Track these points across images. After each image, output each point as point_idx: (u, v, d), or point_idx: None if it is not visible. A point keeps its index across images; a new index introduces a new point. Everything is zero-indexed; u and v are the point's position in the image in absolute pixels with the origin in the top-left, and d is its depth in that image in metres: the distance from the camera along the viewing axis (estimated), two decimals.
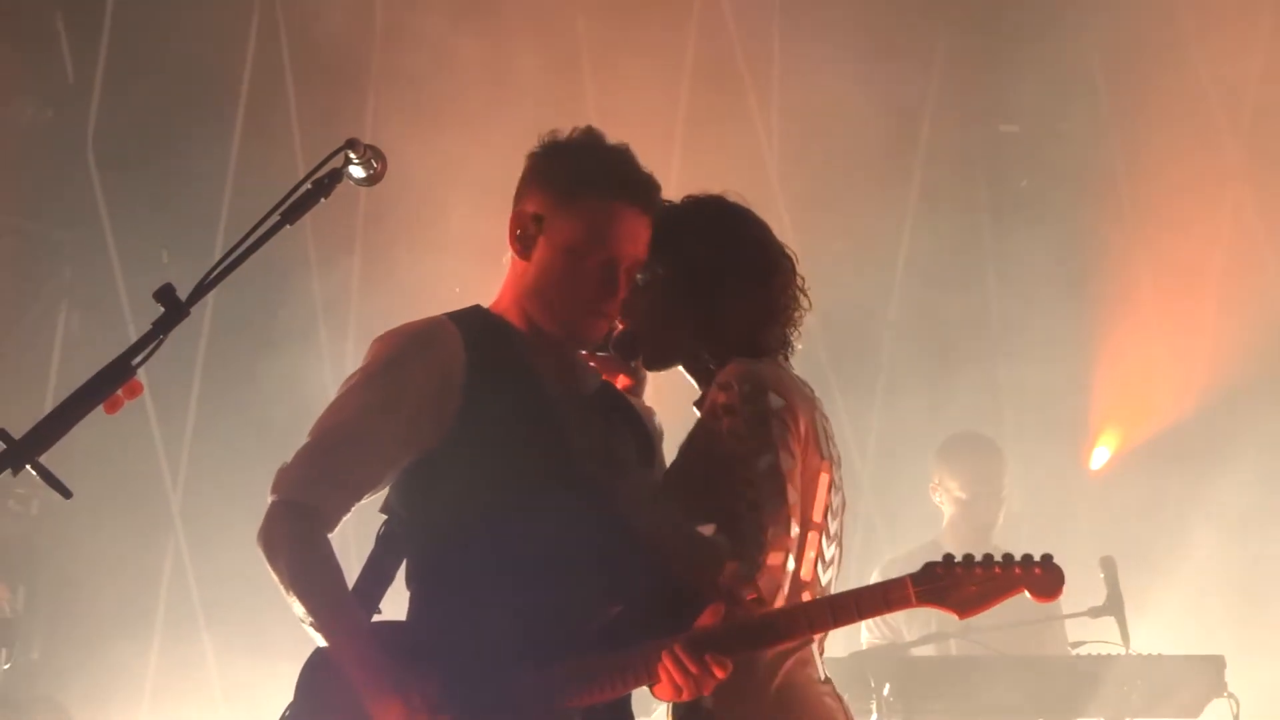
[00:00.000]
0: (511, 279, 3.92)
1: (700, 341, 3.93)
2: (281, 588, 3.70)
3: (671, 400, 4.10)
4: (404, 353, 3.81)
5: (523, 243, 3.84)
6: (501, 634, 3.71)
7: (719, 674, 3.55)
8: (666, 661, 3.56)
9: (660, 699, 3.66)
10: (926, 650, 6.48)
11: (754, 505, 3.68)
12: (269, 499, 3.74)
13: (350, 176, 3.63)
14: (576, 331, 3.87)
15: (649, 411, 4.06)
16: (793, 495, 3.72)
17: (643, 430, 3.99)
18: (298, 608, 3.69)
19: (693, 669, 3.54)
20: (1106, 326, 8.78)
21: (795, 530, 3.72)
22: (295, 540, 3.71)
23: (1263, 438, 8.22)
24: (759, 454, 3.71)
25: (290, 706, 3.77)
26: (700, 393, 3.95)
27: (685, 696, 3.57)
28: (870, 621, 6.59)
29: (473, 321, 3.85)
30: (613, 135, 3.92)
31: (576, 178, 3.84)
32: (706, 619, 3.57)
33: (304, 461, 3.75)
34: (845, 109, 8.66)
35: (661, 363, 4.02)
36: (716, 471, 3.75)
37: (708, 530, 3.69)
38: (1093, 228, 8.81)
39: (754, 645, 3.63)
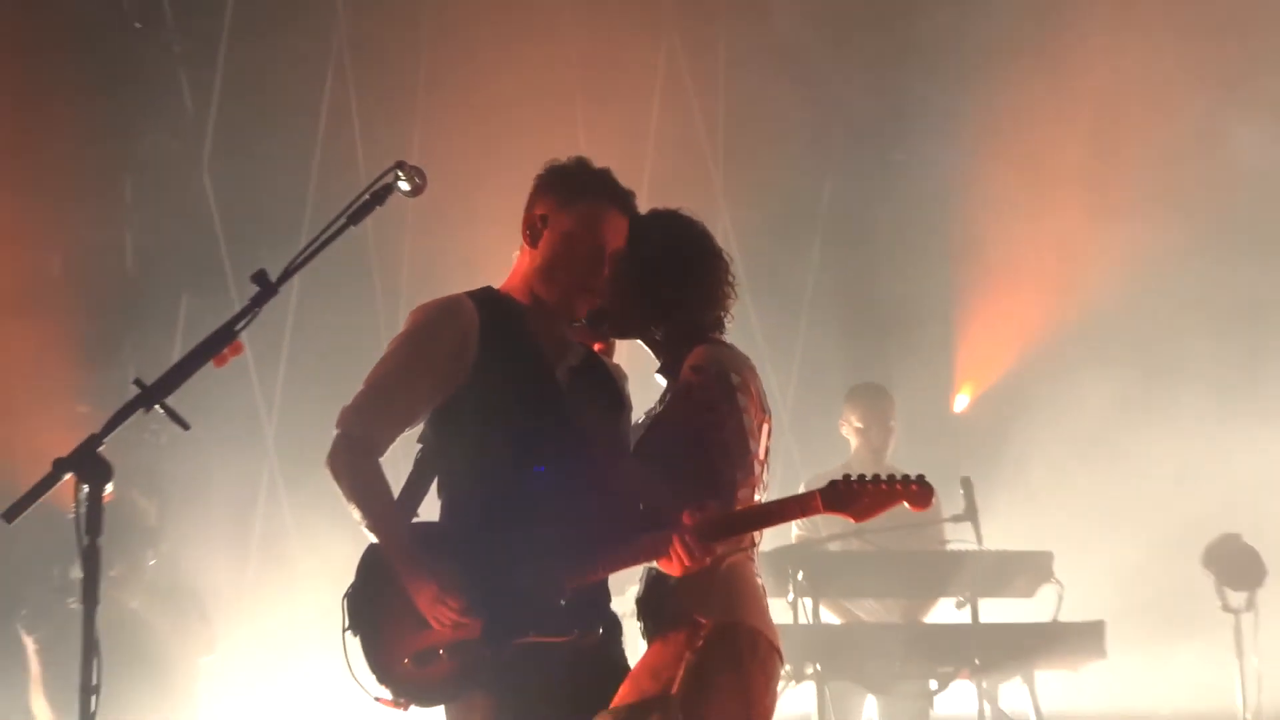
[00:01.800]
0: (519, 267, 3.91)
1: (651, 320, 3.93)
2: (343, 500, 3.75)
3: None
4: (433, 321, 3.83)
5: (532, 234, 3.86)
6: (509, 531, 3.72)
7: (711, 556, 3.61)
8: (678, 545, 3.58)
9: (667, 571, 3.66)
10: (835, 546, 6.48)
11: (728, 456, 3.73)
12: (334, 432, 3.78)
13: (399, 189, 3.67)
14: (571, 302, 3.85)
15: (617, 368, 4.07)
16: (754, 446, 3.77)
17: (612, 382, 4.00)
18: (355, 515, 3.74)
19: (698, 552, 3.59)
20: (968, 301, 8.83)
21: (757, 470, 3.79)
22: (353, 464, 3.74)
23: (1081, 389, 8.22)
24: (728, 419, 3.75)
25: (351, 585, 3.78)
26: (658, 361, 3.94)
27: (689, 569, 3.61)
28: (799, 521, 6.53)
29: (485, 297, 3.87)
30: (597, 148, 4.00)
31: (575, 187, 3.85)
32: (687, 519, 3.60)
33: (359, 404, 3.79)
34: (776, 122, 8.78)
35: (622, 334, 4.02)
36: (696, 434, 3.76)
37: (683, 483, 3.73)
38: (958, 219, 8.78)
39: (731, 534, 3.67)
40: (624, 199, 3.89)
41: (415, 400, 3.82)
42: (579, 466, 3.81)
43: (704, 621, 3.70)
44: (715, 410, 3.77)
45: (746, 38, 8.95)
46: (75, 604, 3.40)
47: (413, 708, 3.76)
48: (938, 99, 8.73)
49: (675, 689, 3.65)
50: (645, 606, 3.84)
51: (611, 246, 3.85)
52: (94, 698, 3.28)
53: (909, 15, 8.83)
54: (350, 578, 3.78)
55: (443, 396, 3.81)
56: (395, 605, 3.72)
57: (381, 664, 3.73)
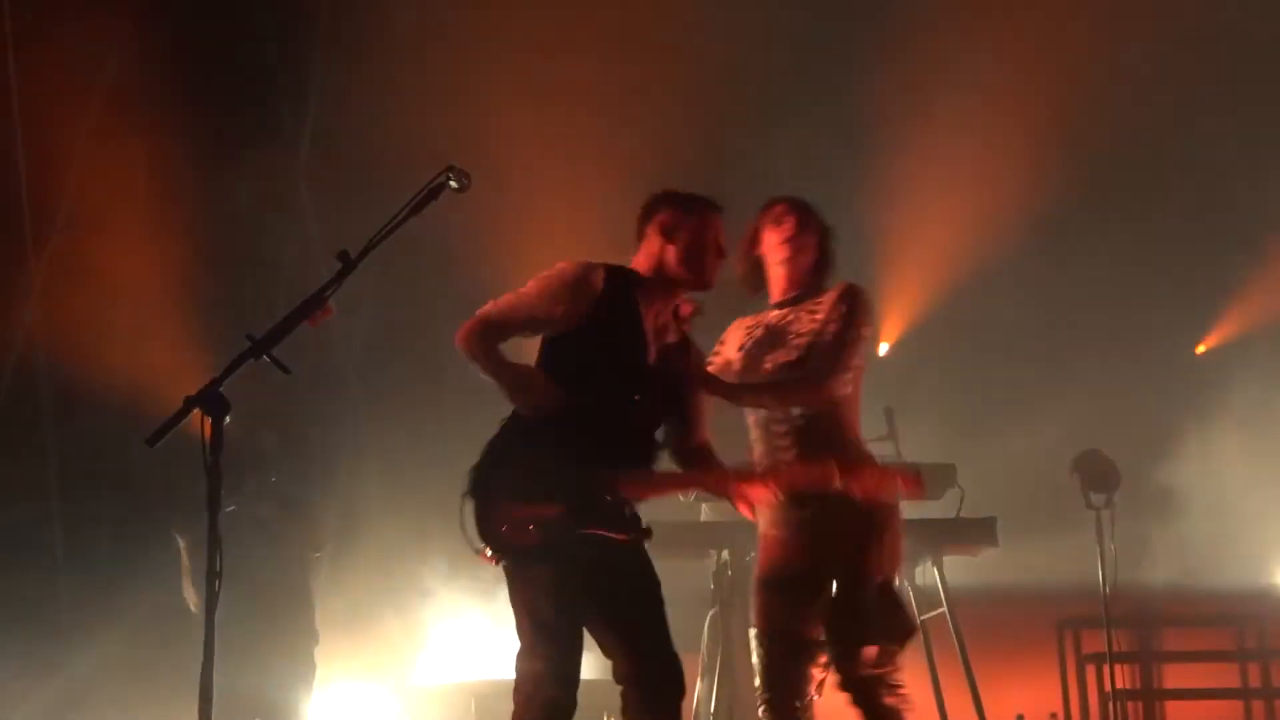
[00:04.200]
0: (647, 254, 3.97)
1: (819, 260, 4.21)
2: (477, 368, 3.79)
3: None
4: (575, 272, 3.86)
5: (666, 235, 3.94)
6: (579, 437, 3.74)
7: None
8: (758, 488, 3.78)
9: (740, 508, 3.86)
10: None
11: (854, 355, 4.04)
12: (471, 319, 3.82)
13: (450, 187, 3.65)
14: (702, 276, 3.92)
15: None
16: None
17: (685, 339, 4.03)
18: (486, 377, 3.78)
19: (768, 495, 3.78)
20: (885, 271, 8.62)
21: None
22: (484, 340, 3.79)
23: (974, 340, 8.20)
24: (863, 329, 4.08)
25: (476, 463, 3.77)
26: (793, 293, 4.15)
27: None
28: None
29: (614, 270, 3.91)
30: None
31: (690, 203, 3.97)
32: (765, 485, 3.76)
33: (498, 303, 3.85)
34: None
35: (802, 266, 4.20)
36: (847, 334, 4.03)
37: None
38: (876, 212, 8.47)
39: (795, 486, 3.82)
40: (719, 208, 4.00)
41: (536, 316, 3.83)
42: (644, 391, 3.83)
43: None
44: (859, 320, 4.04)
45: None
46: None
47: (502, 564, 3.75)
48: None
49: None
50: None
51: (720, 238, 3.96)
52: (217, 580, 3.29)
53: None
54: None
55: (563, 327, 3.82)
56: (505, 483, 3.72)
57: (485, 526, 3.73)
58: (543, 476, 3.70)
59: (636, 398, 3.80)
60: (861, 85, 8.31)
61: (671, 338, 3.97)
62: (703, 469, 3.90)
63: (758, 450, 4.15)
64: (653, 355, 3.89)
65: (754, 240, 4.29)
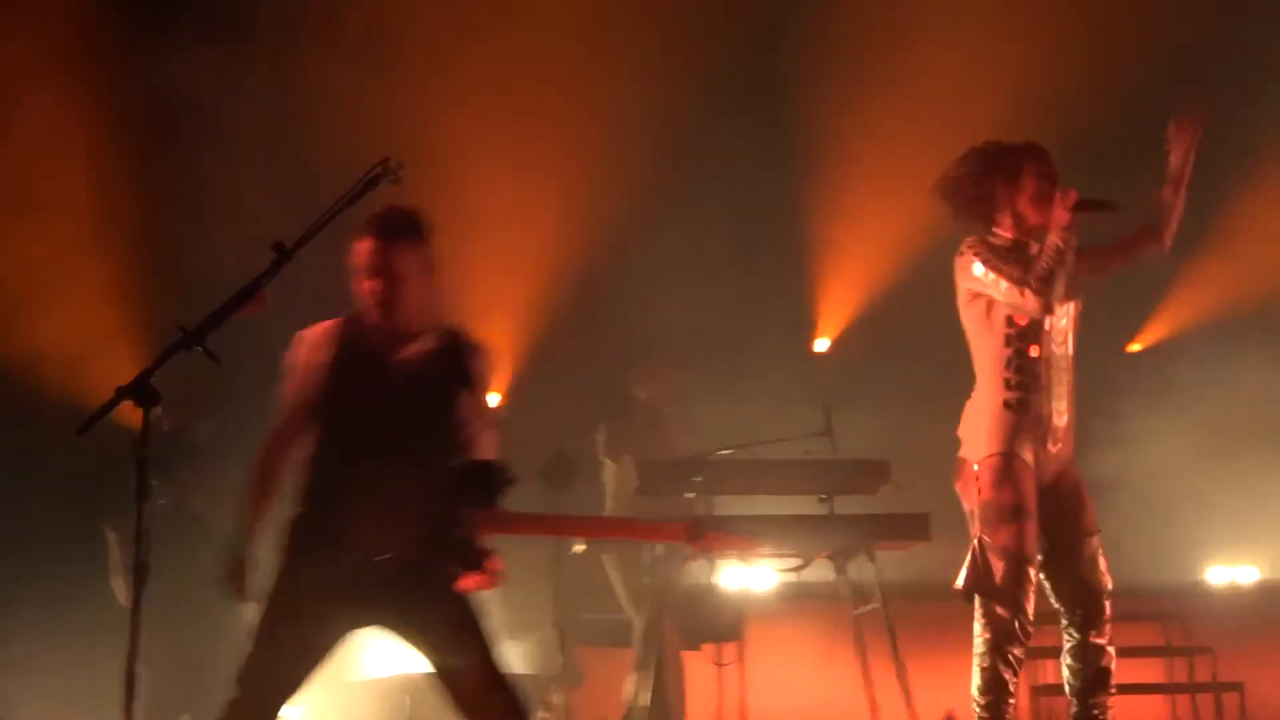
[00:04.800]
0: None
1: None
2: None
3: None
4: (300, 342, 3.98)
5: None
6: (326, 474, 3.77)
7: None
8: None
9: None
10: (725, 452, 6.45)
11: None
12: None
13: (385, 179, 3.66)
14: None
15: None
16: None
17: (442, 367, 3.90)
18: None
19: None
20: (824, 267, 8.68)
21: None
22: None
23: (908, 342, 8.21)
24: None
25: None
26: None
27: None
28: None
29: (343, 321, 3.96)
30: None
31: None
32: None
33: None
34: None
35: None
36: None
37: None
38: (809, 197, 8.38)
39: None
40: (366, 228, 3.89)
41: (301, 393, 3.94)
42: (377, 428, 3.77)
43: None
44: None
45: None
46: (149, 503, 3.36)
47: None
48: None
49: None
50: None
51: (359, 260, 3.86)
52: (145, 572, 3.27)
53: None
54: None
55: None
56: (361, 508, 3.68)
57: (346, 535, 3.71)
58: (397, 505, 3.64)
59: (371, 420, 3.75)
60: (803, 92, 8.26)
61: (428, 360, 3.87)
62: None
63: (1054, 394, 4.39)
64: (390, 380, 3.82)
65: (1021, 175, 4.50)
